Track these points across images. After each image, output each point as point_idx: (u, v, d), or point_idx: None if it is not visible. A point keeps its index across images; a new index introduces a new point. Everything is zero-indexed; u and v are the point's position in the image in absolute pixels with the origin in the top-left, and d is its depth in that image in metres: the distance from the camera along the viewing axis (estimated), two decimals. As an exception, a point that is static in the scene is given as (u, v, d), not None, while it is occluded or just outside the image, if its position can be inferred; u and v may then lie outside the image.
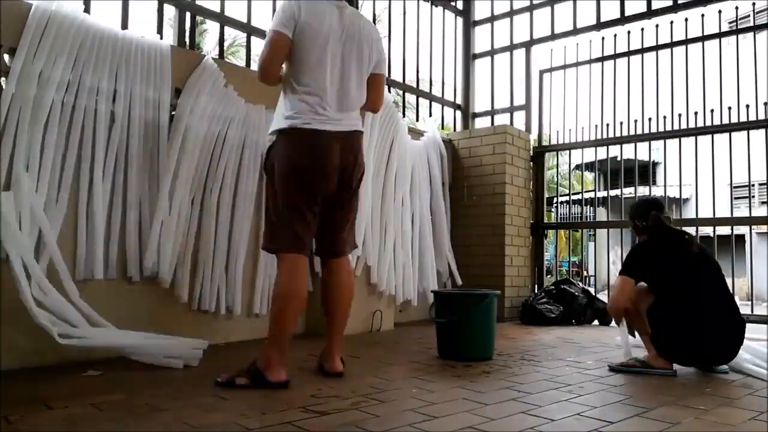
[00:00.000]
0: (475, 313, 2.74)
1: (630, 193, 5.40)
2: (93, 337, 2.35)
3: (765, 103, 4.05)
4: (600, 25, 4.80)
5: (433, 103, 5.14)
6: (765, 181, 4.22)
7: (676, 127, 4.45)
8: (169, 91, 2.84)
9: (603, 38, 4.82)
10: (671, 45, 4.50)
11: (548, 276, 5.62)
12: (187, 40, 3.34)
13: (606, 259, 7.77)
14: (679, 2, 4.44)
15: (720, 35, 4.35)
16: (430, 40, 5.03)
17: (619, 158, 4.83)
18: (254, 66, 4.16)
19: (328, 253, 2.42)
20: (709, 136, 4.27)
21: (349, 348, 3.05)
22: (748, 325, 2.52)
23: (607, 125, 4.78)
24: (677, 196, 4.87)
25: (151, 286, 2.78)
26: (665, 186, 5.13)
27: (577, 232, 13.49)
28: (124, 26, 2.92)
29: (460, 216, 4.77)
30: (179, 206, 2.85)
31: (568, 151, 5.28)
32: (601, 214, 11.44)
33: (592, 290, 4.75)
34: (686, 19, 4.43)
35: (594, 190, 5.36)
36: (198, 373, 2.34)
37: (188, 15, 3.34)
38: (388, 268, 3.83)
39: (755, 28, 4.24)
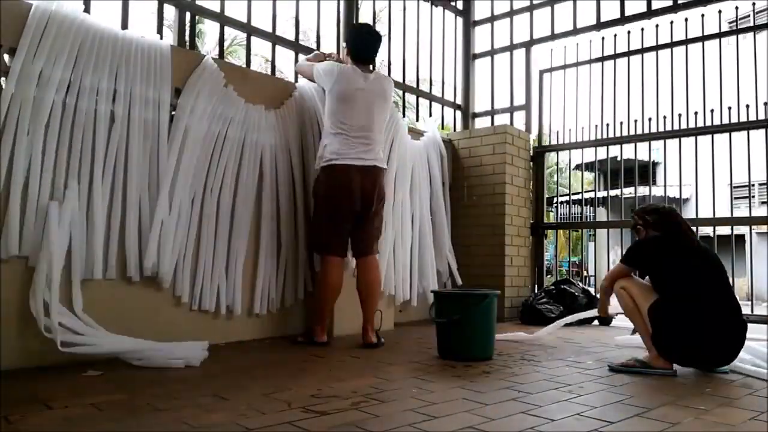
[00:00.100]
0: (475, 313, 2.74)
1: (630, 193, 5.40)
2: (95, 345, 2.37)
3: (765, 103, 4.05)
4: (600, 25, 4.80)
5: (433, 103, 5.14)
6: (765, 181, 4.22)
7: (676, 127, 4.45)
8: (169, 91, 2.84)
9: (603, 38, 4.83)
10: (671, 45, 4.50)
11: (548, 276, 5.62)
12: (187, 40, 3.34)
13: (606, 259, 7.76)
14: (679, 2, 4.44)
15: (720, 35, 4.35)
16: (430, 40, 5.03)
17: (619, 158, 4.83)
18: (254, 66, 4.17)
19: (358, 253, 3.21)
20: (709, 136, 4.27)
21: (349, 348, 3.06)
22: (749, 326, 2.51)
23: (607, 125, 4.78)
24: (677, 196, 4.87)
25: (151, 286, 2.78)
26: (665, 186, 5.13)
27: (577, 232, 13.49)
28: (124, 26, 2.92)
29: (460, 216, 4.77)
30: (179, 206, 2.85)
31: (568, 151, 5.28)
32: (601, 214, 11.43)
33: (592, 290, 4.75)
34: (686, 19, 4.43)
35: (594, 190, 5.36)
36: (198, 373, 2.34)
37: (188, 15, 3.34)
38: (387, 268, 3.83)
39: (755, 28, 4.24)
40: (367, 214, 3.16)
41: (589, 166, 6.99)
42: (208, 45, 14.75)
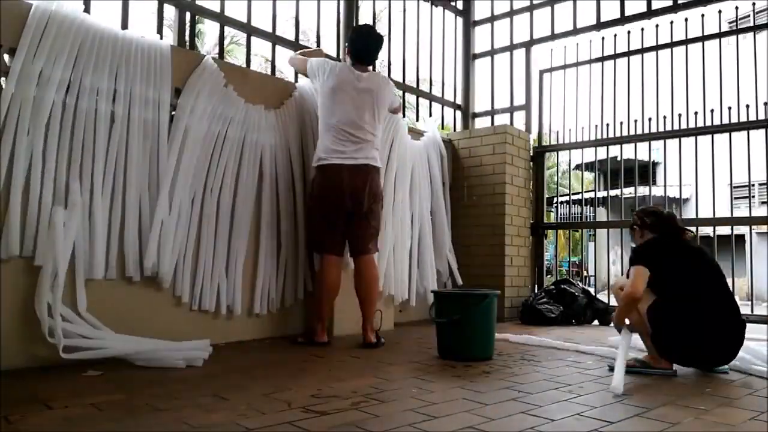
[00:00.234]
0: (475, 313, 2.74)
1: (630, 193, 5.40)
2: (100, 348, 2.39)
3: (765, 103, 4.05)
4: (600, 25, 4.80)
5: (433, 103, 5.14)
6: (765, 181, 4.22)
7: (676, 127, 4.45)
8: (169, 91, 2.84)
9: (603, 38, 4.83)
10: (671, 45, 4.50)
11: (548, 276, 5.62)
12: (187, 40, 3.34)
13: (606, 259, 7.77)
14: (679, 2, 4.44)
15: (720, 35, 4.35)
16: (430, 40, 5.03)
17: (619, 158, 4.83)
18: (254, 66, 4.16)
19: (355, 252, 3.22)
20: (709, 136, 4.27)
21: (349, 348, 3.06)
22: (748, 325, 2.52)
23: (607, 125, 4.78)
24: (677, 196, 4.87)
25: (151, 286, 2.78)
26: (665, 186, 5.12)
27: (577, 232, 13.49)
28: (124, 26, 2.92)
29: (460, 216, 4.77)
30: (179, 206, 2.85)
31: (568, 151, 5.28)
32: (601, 214, 11.44)
33: (592, 290, 4.75)
34: (686, 19, 4.43)
35: (594, 190, 5.36)
36: (198, 373, 2.34)
37: (188, 15, 3.34)
38: (387, 268, 3.83)
39: (755, 28, 4.24)
40: (360, 212, 3.15)
41: (589, 166, 7.00)
42: (207, 45, 14.75)
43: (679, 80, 4.39)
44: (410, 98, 5.07)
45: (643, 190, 7.35)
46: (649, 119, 4.53)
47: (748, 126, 4.16)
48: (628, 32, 4.67)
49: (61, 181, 2.48)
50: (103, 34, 2.63)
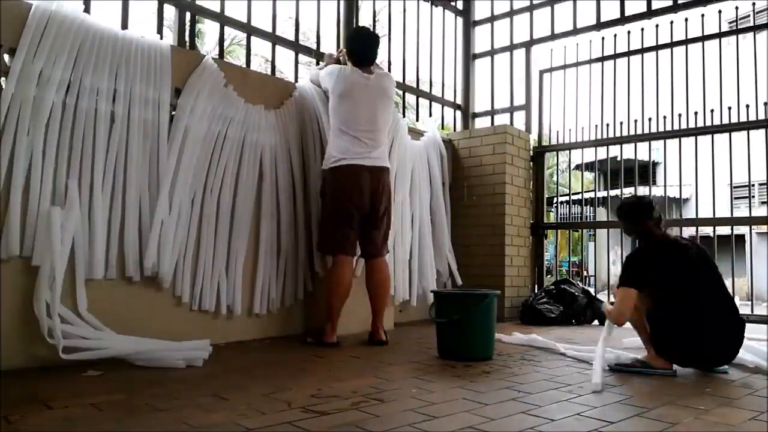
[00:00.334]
0: (475, 313, 2.74)
1: (630, 193, 5.40)
2: (100, 348, 2.39)
3: (765, 103, 4.05)
4: (600, 25, 4.80)
5: (433, 103, 5.13)
6: (765, 181, 4.22)
7: (676, 127, 4.45)
8: (169, 91, 2.84)
9: (603, 38, 4.83)
10: (671, 45, 4.50)
11: (548, 276, 5.62)
12: (187, 40, 3.34)
13: (606, 259, 7.76)
14: (679, 2, 4.44)
15: (720, 35, 4.35)
16: (430, 40, 5.03)
17: (619, 158, 4.83)
18: (254, 66, 4.16)
19: (368, 255, 3.25)
20: (709, 136, 4.27)
21: (349, 348, 3.06)
22: (748, 325, 2.52)
23: (607, 125, 4.78)
24: (677, 196, 4.87)
25: (151, 286, 2.78)
26: (665, 186, 5.13)
27: (577, 232, 13.49)
28: (124, 26, 2.92)
29: (460, 216, 4.77)
30: (179, 206, 2.85)
31: (568, 151, 5.27)
32: (601, 214, 11.43)
33: (592, 290, 4.75)
34: (686, 19, 4.43)
35: (594, 190, 5.36)
36: (198, 373, 2.34)
37: (188, 15, 3.34)
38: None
39: (755, 28, 4.24)
40: (376, 214, 3.18)
41: (589, 166, 7.00)
42: (207, 45, 14.74)
43: (679, 80, 4.39)
44: (410, 98, 5.07)
45: (643, 190, 7.34)
46: (649, 119, 4.53)
47: (748, 126, 4.16)
48: (628, 32, 4.67)
49: (61, 181, 2.48)
50: (103, 34, 2.63)
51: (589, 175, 12.45)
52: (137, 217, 2.72)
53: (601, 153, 4.88)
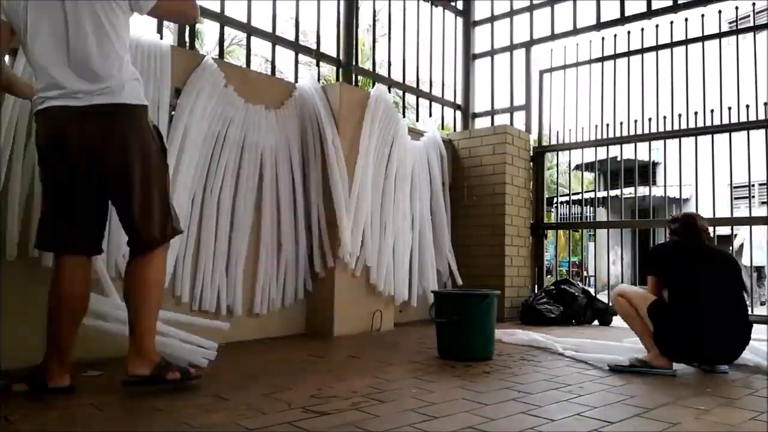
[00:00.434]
0: (475, 313, 2.74)
1: (630, 194, 5.40)
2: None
3: (765, 103, 4.05)
4: (600, 26, 4.80)
5: (433, 103, 5.14)
6: (765, 181, 4.22)
7: (676, 127, 4.45)
8: (169, 91, 2.84)
9: (603, 38, 4.83)
10: (671, 45, 4.50)
11: (548, 276, 5.62)
12: (187, 40, 3.34)
13: (606, 259, 7.76)
14: (679, 2, 4.44)
15: (720, 35, 4.35)
16: (430, 41, 5.03)
17: (619, 158, 4.83)
18: (254, 66, 4.17)
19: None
20: (709, 136, 4.27)
21: (349, 348, 3.06)
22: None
23: (607, 125, 4.78)
24: (677, 196, 4.87)
25: (151, 286, 2.77)
26: (665, 186, 5.12)
27: (577, 232, 13.49)
28: (124, 26, 2.92)
29: (460, 216, 4.77)
30: (179, 206, 2.84)
31: (568, 151, 5.27)
32: (601, 214, 11.43)
33: (592, 290, 4.75)
34: (686, 19, 4.43)
35: (594, 190, 5.36)
36: (198, 373, 2.33)
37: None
38: (387, 268, 3.83)
39: (755, 28, 4.24)
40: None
41: (589, 167, 7.00)
42: (208, 45, 14.73)
43: (679, 80, 4.39)
44: (410, 98, 5.08)
45: (643, 190, 7.34)
46: (649, 119, 4.53)
47: (748, 126, 4.16)
48: (628, 32, 4.67)
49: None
50: (103, 34, 2.62)
51: (589, 176, 12.44)
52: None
53: (601, 153, 4.88)
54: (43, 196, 2.00)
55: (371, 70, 5.02)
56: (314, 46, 4.09)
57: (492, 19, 5.38)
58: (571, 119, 4.90)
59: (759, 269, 8.77)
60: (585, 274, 10.39)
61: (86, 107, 1.90)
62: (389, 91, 4.32)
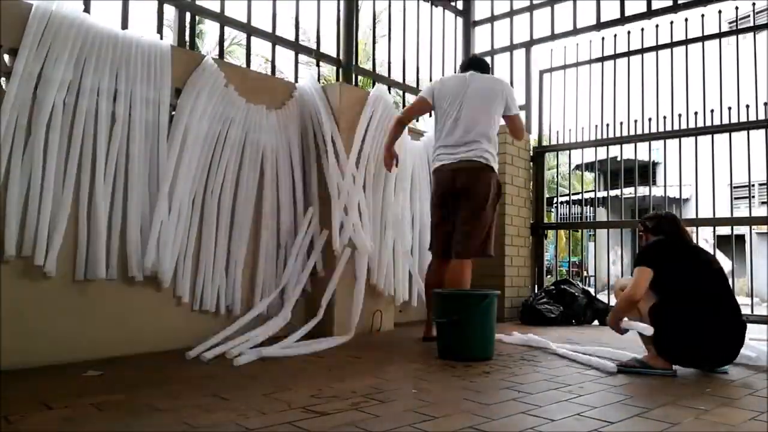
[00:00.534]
0: (475, 313, 2.74)
1: (630, 193, 5.40)
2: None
3: (765, 103, 4.05)
4: (600, 26, 4.80)
5: (433, 103, 5.12)
6: (765, 181, 4.22)
7: (676, 127, 4.45)
8: (169, 91, 2.84)
9: (603, 38, 4.83)
10: (671, 45, 4.50)
11: (548, 276, 5.62)
12: (187, 40, 3.34)
13: (606, 259, 7.76)
14: (679, 2, 4.44)
15: (720, 35, 4.35)
16: (430, 41, 5.03)
17: (619, 158, 4.83)
18: (254, 66, 4.17)
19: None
20: (709, 136, 4.27)
21: (349, 348, 3.06)
22: (748, 326, 2.52)
23: (607, 125, 4.78)
24: (677, 196, 4.87)
25: (152, 286, 2.78)
26: (665, 186, 5.13)
27: (577, 232, 13.49)
28: (124, 26, 2.92)
29: (460, 216, 4.75)
30: (179, 206, 2.85)
31: (568, 151, 5.27)
32: (601, 214, 11.43)
33: (592, 290, 4.75)
34: (686, 20, 4.43)
35: (594, 190, 5.36)
36: (198, 373, 2.34)
37: (188, 15, 3.34)
38: (387, 268, 3.83)
39: (755, 28, 4.24)
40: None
41: (589, 166, 7.00)
42: (208, 45, 14.74)
43: (679, 80, 4.39)
44: (410, 98, 5.06)
45: (643, 190, 7.35)
46: (649, 119, 4.53)
47: (748, 126, 4.16)
48: (628, 32, 4.67)
49: (61, 181, 2.48)
50: (103, 34, 2.63)
51: (589, 176, 12.45)
52: (138, 217, 2.72)
53: (601, 153, 4.88)
54: None
55: (371, 70, 5.02)
56: (314, 46, 4.09)
57: (492, 19, 5.37)
58: (571, 119, 4.90)
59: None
60: (585, 274, 10.40)
61: None
62: (389, 91, 4.32)
